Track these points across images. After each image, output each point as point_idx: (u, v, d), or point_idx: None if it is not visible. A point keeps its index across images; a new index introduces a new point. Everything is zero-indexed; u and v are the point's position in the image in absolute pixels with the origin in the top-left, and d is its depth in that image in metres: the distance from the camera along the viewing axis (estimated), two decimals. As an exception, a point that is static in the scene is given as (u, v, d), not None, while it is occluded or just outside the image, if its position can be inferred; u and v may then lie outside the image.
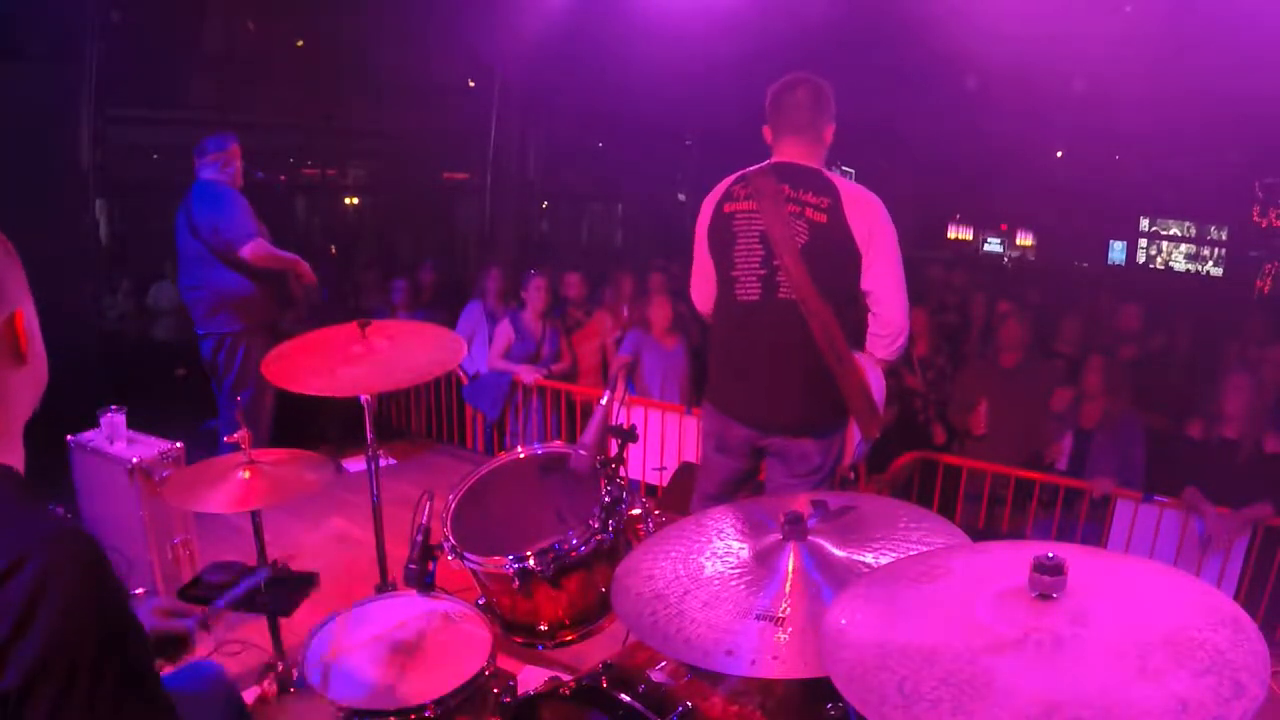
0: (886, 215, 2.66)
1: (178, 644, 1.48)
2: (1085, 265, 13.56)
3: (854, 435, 2.83)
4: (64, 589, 0.90)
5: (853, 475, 3.06)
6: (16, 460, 1.07)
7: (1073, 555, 1.12)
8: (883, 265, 2.65)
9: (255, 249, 4.19)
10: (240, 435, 2.55)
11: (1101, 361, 4.48)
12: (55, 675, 0.88)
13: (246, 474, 2.47)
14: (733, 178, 2.79)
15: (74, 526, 0.96)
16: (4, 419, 1.06)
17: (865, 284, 2.67)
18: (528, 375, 5.48)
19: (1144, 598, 1.12)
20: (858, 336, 2.73)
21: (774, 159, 2.75)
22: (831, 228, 2.61)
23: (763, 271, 2.69)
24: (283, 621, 2.73)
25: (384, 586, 2.89)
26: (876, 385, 2.72)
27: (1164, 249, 13.62)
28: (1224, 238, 13.03)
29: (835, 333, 2.62)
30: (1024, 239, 14.80)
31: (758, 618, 1.41)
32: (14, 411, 1.08)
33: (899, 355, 2.76)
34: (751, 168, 2.75)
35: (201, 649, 3.14)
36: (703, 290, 2.94)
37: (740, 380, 2.84)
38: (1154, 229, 13.63)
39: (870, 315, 2.72)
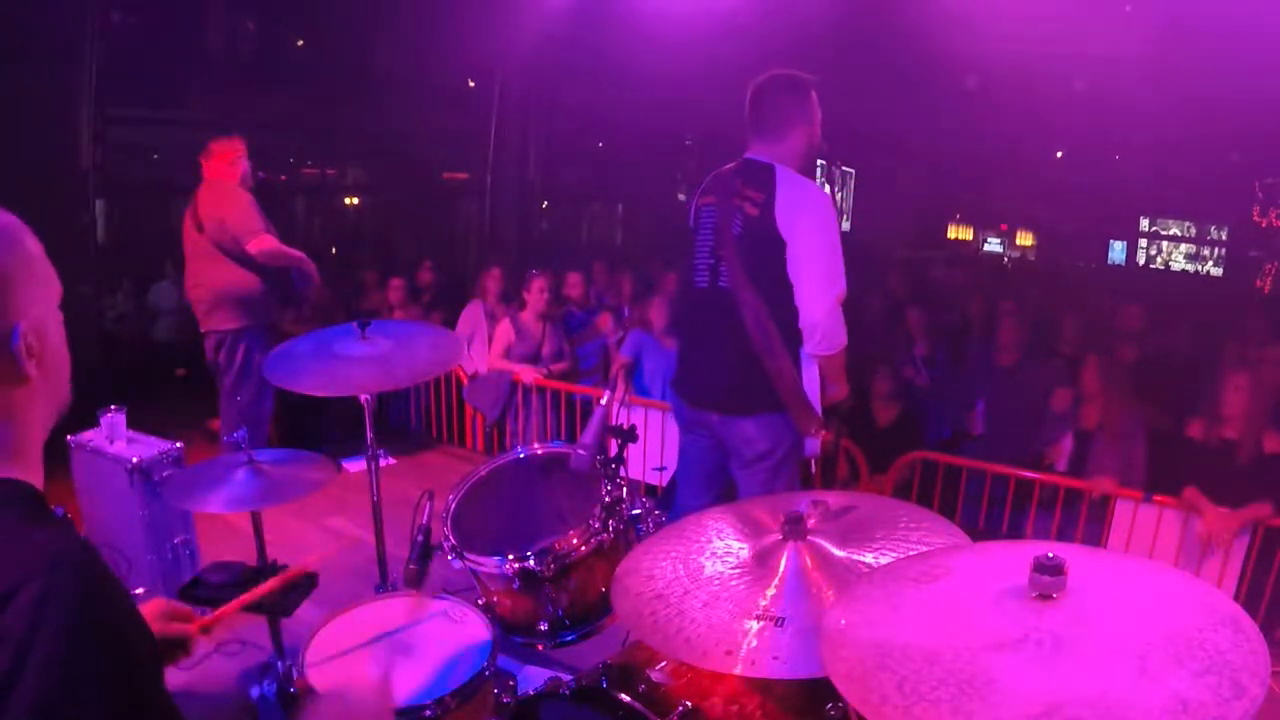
0: (818, 210, 2.70)
1: (176, 647, 1.47)
2: (1085, 265, 13.55)
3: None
4: (64, 616, 0.87)
5: (815, 469, 3.07)
6: (31, 475, 1.04)
7: (1073, 555, 1.12)
8: (802, 258, 2.69)
9: (262, 244, 4.20)
10: (240, 435, 2.55)
11: (1100, 362, 4.47)
12: (59, 710, 0.85)
13: (246, 474, 2.47)
14: (710, 175, 2.94)
15: (80, 547, 0.94)
16: (12, 436, 1.02)
17: (789, 275, 2.72)
18: (528, 375, 5.48)
19: (1144, 598, 1.12)
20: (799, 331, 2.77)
21: (743, 155, 2.86)
22: (760, 219, 2.71)
23: (710, 261, 2.84)
24: (283, 621, 2.73)
25: (384, 586, 2.89)
26: (810, 382, 2.77)
27: (1164, 249, 13.61)
28: (1224, 238, 13.01)
29: (766, 323, 2.71)
30: (1024, 239, 14.79)
31: (758, 618, 1.41)
32: (23, 428, 1.04)
33: (827, 350, 2.75)
34: (726, 166, 2.88)
35: (201, 649, 3.15)
36: None
37: (688, 361, 3.04)
38: (1154, 229, 13.61)
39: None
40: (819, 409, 2.80)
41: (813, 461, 3.00)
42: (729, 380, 2.83)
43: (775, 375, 2.73)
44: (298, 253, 4.40)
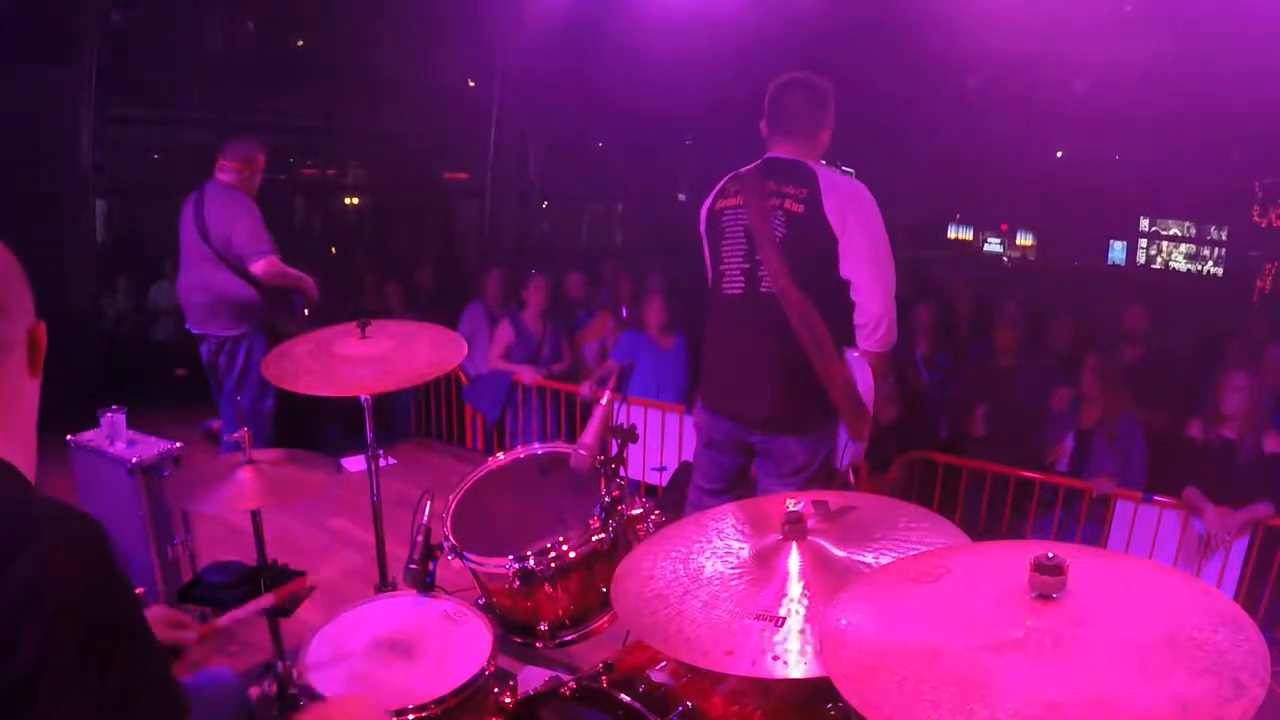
0: (866, 203, 2.64)
1: (172, 655, 1.48)
2: (1085, 265, 13.54)
3: (844, 435, 2.82)
4: (70, 568, 0.90)
5: (853, 479, 3.04)
6: (27, 465, 1.07)
7: (1073, 555, 1.12)
8: (859, 253, 2.62)
9: (268, 266, 4.18)
10: (240, 435, 2.55)
11: (1100, 363, 4.48)
12: (64, 657, 0.87)
13: (247, 474, 2.47)
14: (728, 176, 2.83)
15: (78, 510, 0.97)
16: (16, 424, 1.07)
17: (843, 272, 2.65)
18: (527, 376, 5.48)
19: (1144, 598, 1.12)
20: (847, 331, 2.71)
21: (766, 155, 2.78)
22: (808, 218, 2.61)
23: (746, 266, 2.72)
24: (283, 621, 2.73)
25: (384, 586, 2.89)
26: (864, 383, 2.70)
27: (1164, 249, 13.61)
28: (1224, 238, 13.01)
29: (817, 327, 2.61)
30: (1024, 239, 14.79)
31: (758, 618, 1.41)
32: (24, 418, 1.09)
33: (885, 346, 2.71)
34: (745, 167, 2.79)
35: (201, 649, 3.14)
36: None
37: (725, 375, 2.87)
38: (1154, 229, 13.61)
39: (853, 306, 2.70)
40: (871, 410, 2.73)
41: (850, 471, 2.95)
42: (778, 397, 2.72)
43: (829, 381, 2.63)
44: (299, 273, 4.39)
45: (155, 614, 1.46)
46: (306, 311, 4.65)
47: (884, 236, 2.65)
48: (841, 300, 2.68)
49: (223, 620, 1.64)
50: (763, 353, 2.72)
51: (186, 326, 4.44)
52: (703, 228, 2.89)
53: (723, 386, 2.88)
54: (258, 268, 4.17)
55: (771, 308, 2.66)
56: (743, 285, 2.73)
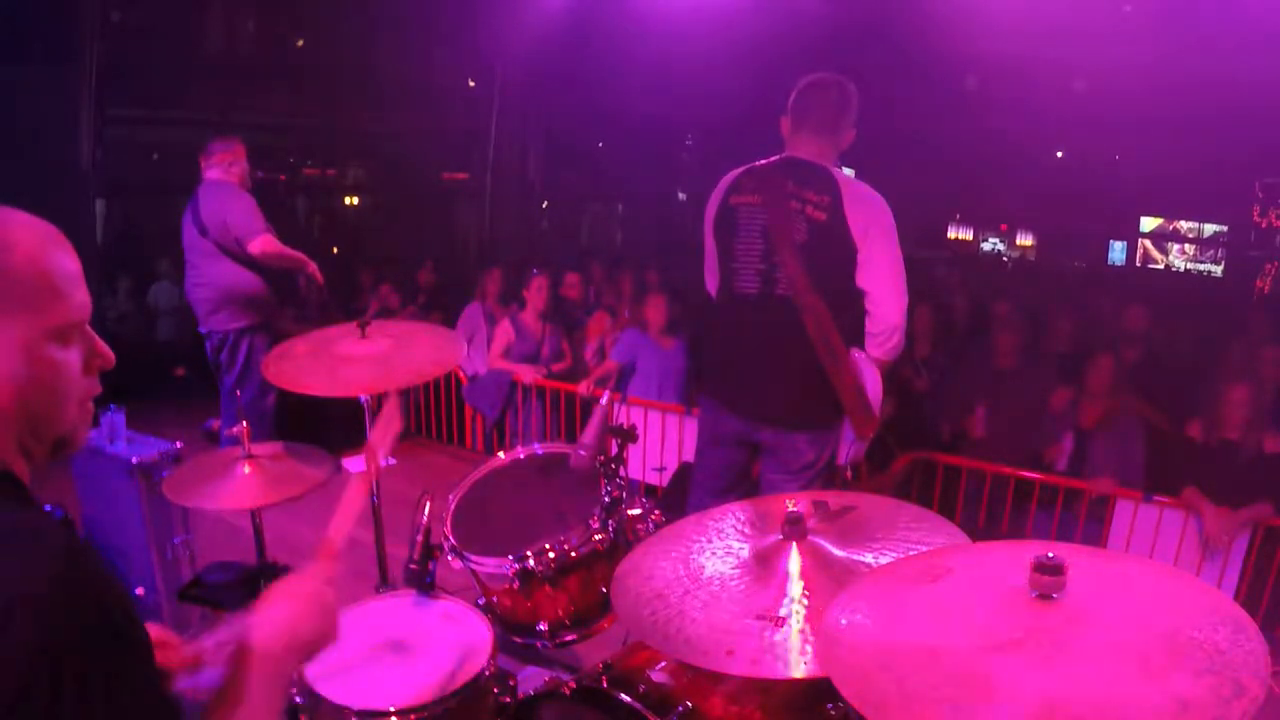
0: (887, 215, 2.66)
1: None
2: (1085, 265, 13.54)
3: (848, 434, 2.83)
4: (38, 587, 0.85)
5: (850, 475, 3.05)
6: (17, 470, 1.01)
7: (1073, 555, 1.12)
8: (878, 264, 2.65)
9: (264, 244, 4.22)
10: (239, 430, 2.55)
11: (1106, 362, 4.47)
12: (38, 683, 0.82)
13: (246, 469, 2.48)
14: (742, 169, 2.80)
15: (55, 521, 0.92)
16: None
17: (860, 282, 2.67)
18: (527, 375, 5.48)
19: (1144, 598, 1.12)
20: (857, 335, 2.73)
21: (786, 153, 2.76)
22: (830, 226, 2.62)
23: (762, 266, 2.72)
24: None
25: (384, 586, 2.89)
26: (872, 385, 2.72)
27: (1164, 249, 13.60)
28: (1224, 238, 13.00)
29: (830, 331, 2.63)
30: (1024, 239, 14.78)
31: (758, 618, 1.41)
32: None
33: (894, 355, 2.74)
34: (761, 161, 2.76)
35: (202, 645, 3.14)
36: (712, 279, 2.97)
37: (735, 373, 2.88)
38: (1154, 229, 13.61)
39: (867, 314, 2.72)
40: (877, 411, 2.76)
41: (848, 467, 2.97)
42: (791, 395, 2.74)
43: (838, 382, 2.66)
44: (298, 253, 4.41)
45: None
46: (313, 297, 4.65)
47: (899, 248, 2.68)
48: (854, 304, 2.70)
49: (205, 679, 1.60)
50: (776, 352, 2.74)
51: (199, 329, 4.47)
52: (711, 222, 2.86)
53: (732, 384, 2.89)
54: (254, 246, 4.20)
55: (786, 310, 2.67)
56: (757, 286, 2.74)
